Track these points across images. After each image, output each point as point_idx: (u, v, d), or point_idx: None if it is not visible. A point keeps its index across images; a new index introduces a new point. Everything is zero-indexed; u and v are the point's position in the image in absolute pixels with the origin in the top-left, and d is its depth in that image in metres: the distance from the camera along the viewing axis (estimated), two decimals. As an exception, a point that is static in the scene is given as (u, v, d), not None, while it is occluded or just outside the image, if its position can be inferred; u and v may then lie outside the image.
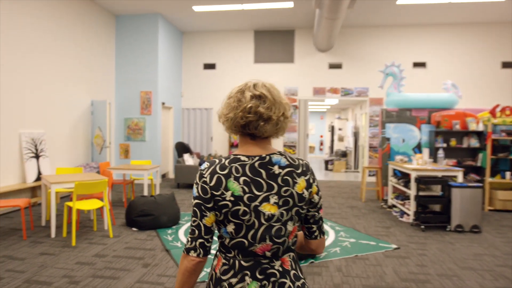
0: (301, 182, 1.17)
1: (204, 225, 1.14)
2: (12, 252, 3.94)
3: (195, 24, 9.66)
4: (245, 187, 1.12)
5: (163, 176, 9.75)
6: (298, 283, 1.16)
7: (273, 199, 1.13)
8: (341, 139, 15.42)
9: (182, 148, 9.64)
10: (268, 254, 1.14)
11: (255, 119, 1.13)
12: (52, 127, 6.77)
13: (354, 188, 8.79)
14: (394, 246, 4.34)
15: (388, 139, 6.85)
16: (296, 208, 1.16)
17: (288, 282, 1.14)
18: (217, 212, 1.14)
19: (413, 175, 5.32)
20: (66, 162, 7.18)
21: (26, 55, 6.09)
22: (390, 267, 3.69)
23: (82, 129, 7.71)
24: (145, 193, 6.03)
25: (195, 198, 1.16)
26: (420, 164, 5.78)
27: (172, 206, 5.13)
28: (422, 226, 5.05)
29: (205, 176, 1.15)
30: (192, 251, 1.14)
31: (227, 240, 1.16)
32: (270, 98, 1.15)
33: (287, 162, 1.18)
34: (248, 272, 1.12)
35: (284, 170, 1.16)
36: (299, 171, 1.18)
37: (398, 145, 6.82)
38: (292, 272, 1.17)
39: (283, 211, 1.13)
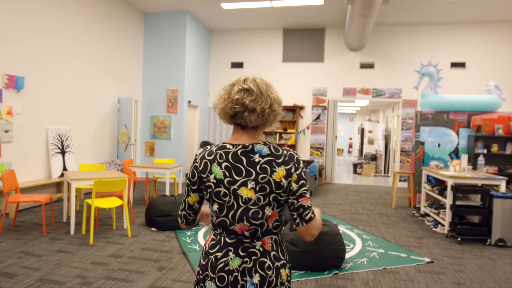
0: (280, 171, 1.22)
1: (188, 202, 1.36)
2: (30, 248, 3.91)
3: (223, 22, 9.54)
4: (226, 172, 1.25)
5: (187, 175, 9.68)
6: (278, 263, 1.26)
7: (251, 184, 1.23)
8: (371, 142, 14.89)
9: (207, 147, 9.54)
10: (246, 233, 1.25)
11: (241, 110, 1.23)
12: (79, 123, 6.82)
13: (384, 193, 8.37)
14: (427, 259, 3.99)
15: (422, 143, 6.43)
16: (274, 195, 1.23)
17: (268, 262, 1.24)
18: (204, 192, 1.31)
19: (450, 182, 4.92)
20: (91, 158, 7.23)
21: (55, 51, 6.15)
22: (423, 283, 3.36)
23: (109, 126, 7.75)
24: (167, 192, 5.93)
25: (187, 179, 1.36)
26: (457, 171, 5.36)
27: (192, 207, 4.99)
28: (459, 239, 4.65)
29: (197, 161, 1.32)
30: (179, 218, 1.41)
31: (214, 218, 1.31)
32: (256, 92, 1.23)
33: (268, 152, 1.25)
34: (231, 248, 1.25)
35: (264, 159, 1.24)
36: (279, 160, 1.24)
37: (433, 149, 6.39)
38: (273, 253, 1.26)
39: (260, 196, 1.22)
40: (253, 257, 1.24)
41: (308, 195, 1.25)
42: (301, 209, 1.24)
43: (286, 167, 1.23)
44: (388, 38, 9.42)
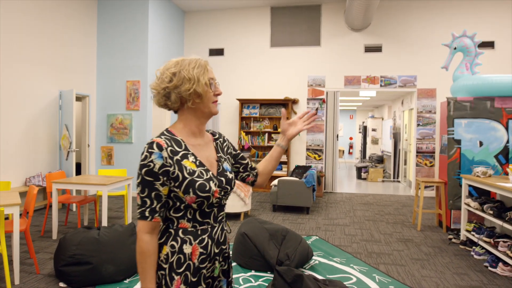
0: None
1: None
2: None
3: (199, 0, 7.84)
4: None
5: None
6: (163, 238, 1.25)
7: None
8: (375, 141, 13.20)
9: (180, 152, 7.81)
10: None
11: None
12: (-5, 125, 5.07)
13: (399, 206, 6.67)
14: None
15: (458, 141, 4.74)
16: None
17: None
18: None
19: (519, 201, 3.23)
20: (20, 170, 5.46)
21: None
22: None
23: (47, 127, 6.00)
24: (104, 219, 4.19)
25: None
26: (522, 181, 3.66)
27: (126, 247, 3.24)
28: (543, 292, 2.95)
29: None
30: None
31: None
32: (157, 75, 1.22)
33: None
34: None
35: None
36: None
37: (473, 150, 4.70)
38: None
39: None
40: None
41: (138, 190, 1.14)
42: None
43: None
44: (399, 15, 7.73)
